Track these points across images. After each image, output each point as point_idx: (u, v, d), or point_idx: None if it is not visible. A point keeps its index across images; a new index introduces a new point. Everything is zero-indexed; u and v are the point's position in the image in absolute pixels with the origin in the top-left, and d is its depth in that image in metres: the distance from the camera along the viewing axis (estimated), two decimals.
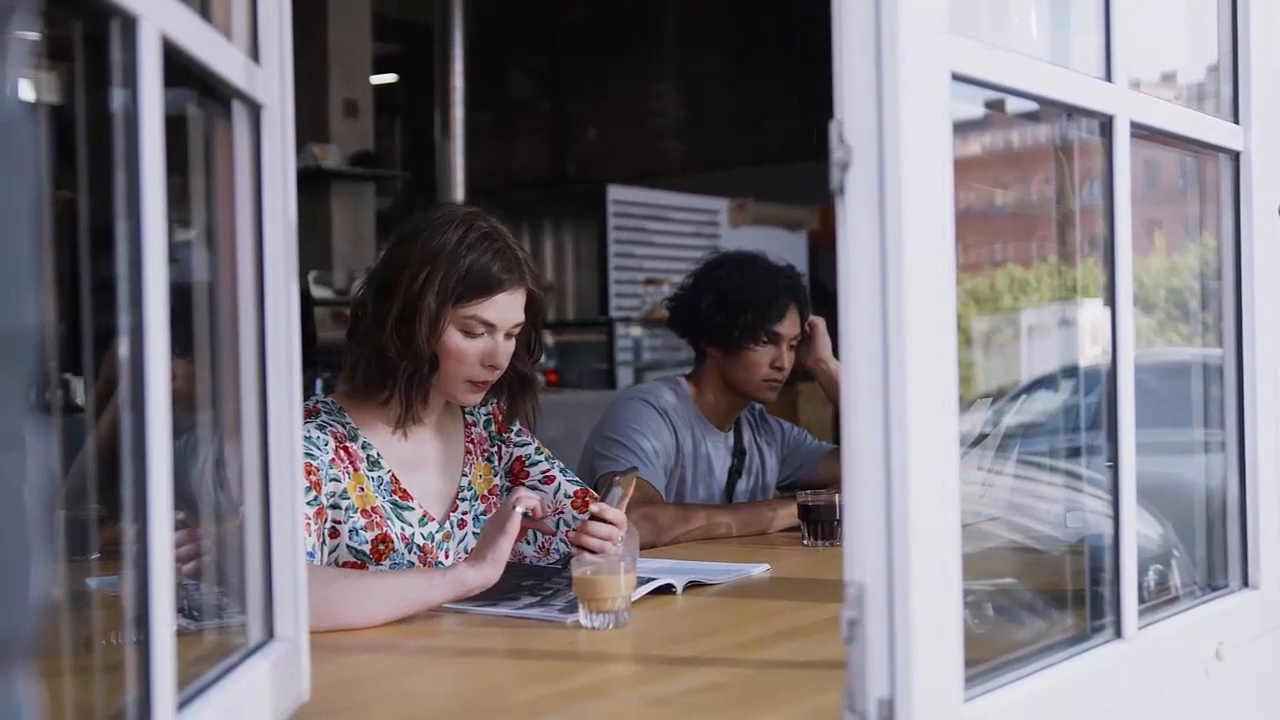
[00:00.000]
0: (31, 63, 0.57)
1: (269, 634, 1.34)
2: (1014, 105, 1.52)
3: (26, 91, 0.55)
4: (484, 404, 2.34)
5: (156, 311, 0.98)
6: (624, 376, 7.37)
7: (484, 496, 2.31)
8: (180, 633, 1.04)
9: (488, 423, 2.36)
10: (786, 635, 1.83)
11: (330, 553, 2.09)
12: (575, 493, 2.33)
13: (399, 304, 2.11)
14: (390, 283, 2.13)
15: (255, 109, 1.31)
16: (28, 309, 0.52)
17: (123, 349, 0.97)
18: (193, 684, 1.14)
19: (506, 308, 2.15)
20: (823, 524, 2.58)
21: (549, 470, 2.35)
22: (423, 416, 2.22)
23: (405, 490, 2.19)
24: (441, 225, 2.14)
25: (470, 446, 2.32)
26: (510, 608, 1.93)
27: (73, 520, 1.30)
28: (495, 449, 2.35)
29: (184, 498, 1.21)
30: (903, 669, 1.14)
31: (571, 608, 1.88)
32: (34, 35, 0.57)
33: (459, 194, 8.78)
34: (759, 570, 2.30)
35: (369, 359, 2.15)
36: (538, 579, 2.09)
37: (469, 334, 2.14)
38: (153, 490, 0.98)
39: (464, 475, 2.29)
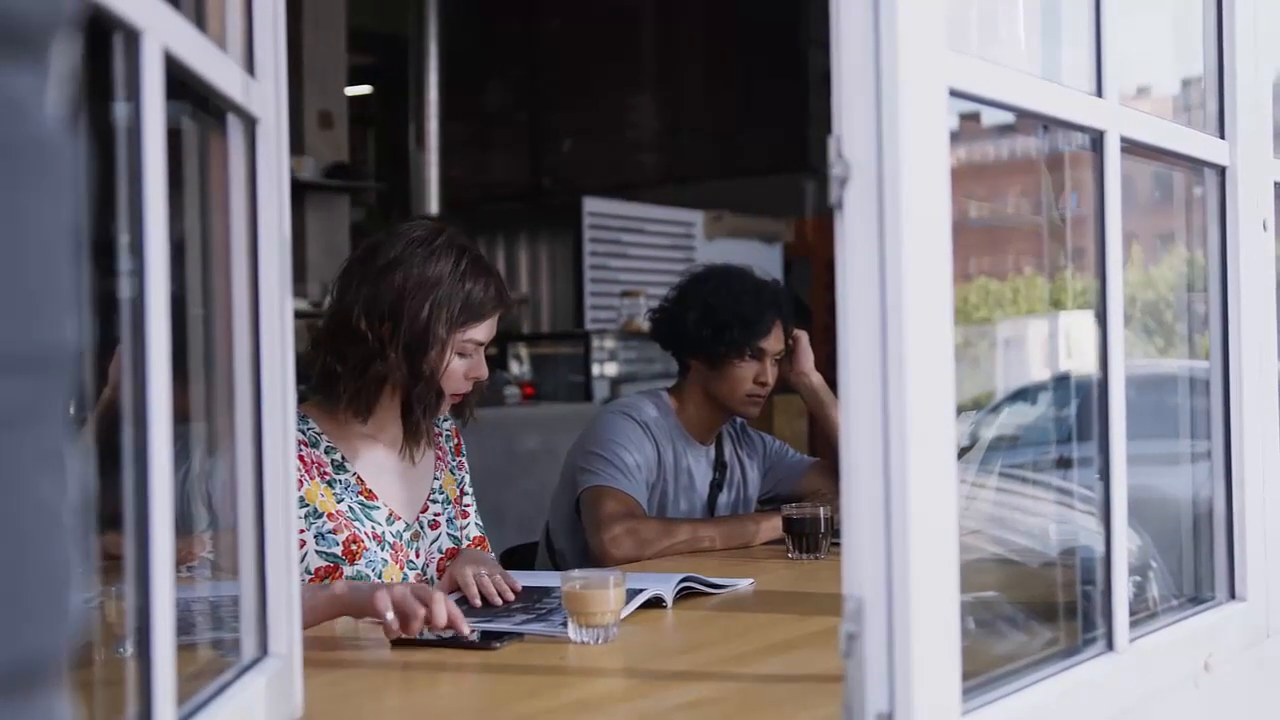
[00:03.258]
0: (70, 81, 0.57)
1: (263, 650, 1.33)
2: (989, 119, 1.53)
3: (66, 108, 0.55)
4: (444, 417, 2.41)
5: (158, 324, 0.97)
6: (600, 389, 7.36)
7: (454, 501, 2.37)
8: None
9: (448, 438, 2.43)
10: (777, 649, 1.83)
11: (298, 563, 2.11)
12: (475, 538, 2.40)
13: (405, 335, 2.15)
14: (389, 310, 2.16)
15: (251, 122, 1.30)
16: (68, 326, 0.52)
17: (124, 363, 0.97)
18: (189, 701, 1.13)
19: (493, 326, 2.26)
20: (807, 537, 2.58)
21: (469, 507, 2.43)
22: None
23: (371, 491, 2.23)
24: (429, 255, 2.18)
25: (439, 454, 2.39)
26: (509, 623, 1.92)
27: None
28: (455, 463, 2.43)
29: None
30: (902, 682, 1.14)
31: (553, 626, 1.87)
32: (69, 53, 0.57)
33: (434, 206, 8.77)
34: (744, 584, 2.30)
35: (371, 384, 2.18)
36: (529, 599, 2.08)
37: (462, 355, 2.22)
38: (154, 505, 0.97)
39: (435, 479, 2.35)
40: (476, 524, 2.43)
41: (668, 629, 2.00)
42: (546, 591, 2.12)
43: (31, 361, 0.50)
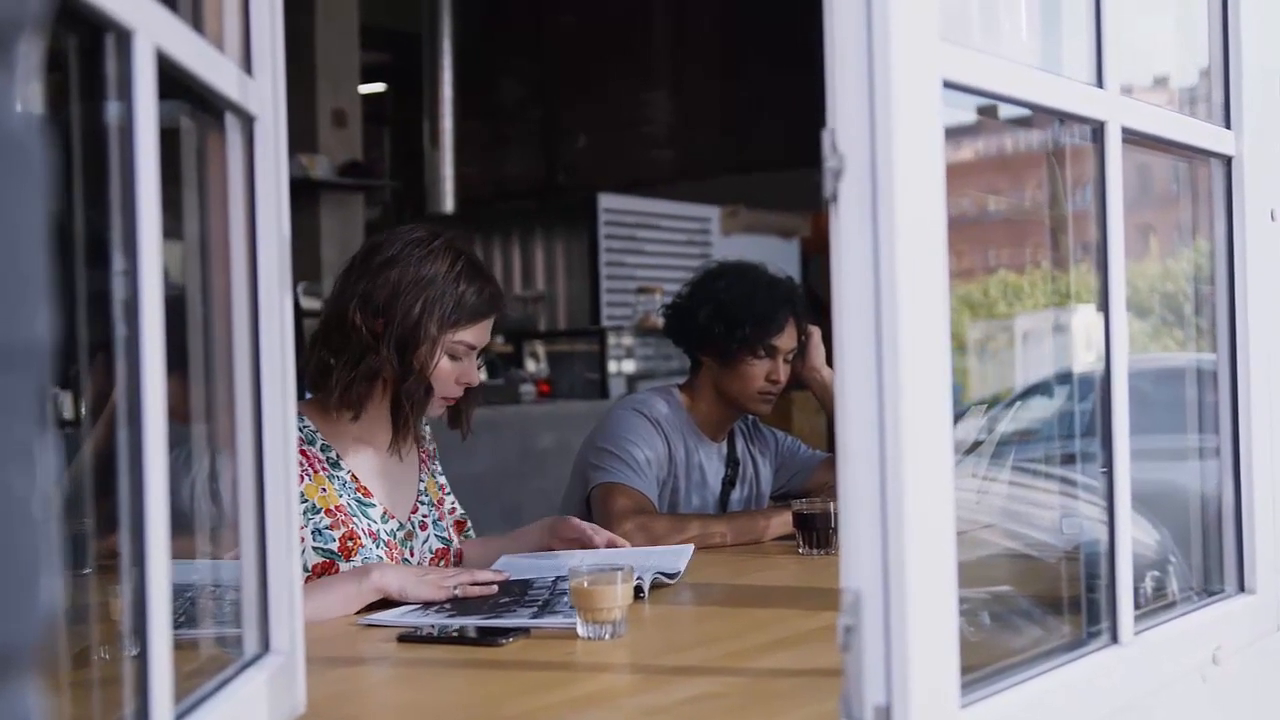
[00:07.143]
0: (37, 76, 0.57)
1: (265, 647, 1.34)
2: (1006, 111, 1.53)
3: (34, 105, 0.55)
4: (427, 420, 2.44)
5: (152, 324, 0.98)
6: (616, 386, 7.35)
7: (437, 505, 2.41)
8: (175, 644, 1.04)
9: (428, 442, 2.47)
10: (783, 644, 1.83)
11: None
12: (438, 550, 2.38)
13: (397, 330, 2.19)
14: (383, 306, 2.20)
15: (248, 121, 1.31)
16: (38, 321, 0.52)
17: (119, 363, 0.97)
18: (189, 696, 1.13)
19: (487, 332, 2.29)
20: (817, 532, 2.58)
21: (449, 497, 2.46)
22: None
23: (366, 488, 2.27)
24: (425, 255, 2.23)
25: (423, 457, 2.43)
26: (516, 619, 1.91)
27: (67, 534, 1.29)
28: (435, 468, 2.47)
29: (178, 512, 1.22)
30: (899, 675, 1.14)
31: (574, 614, 1.87)
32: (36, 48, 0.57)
33: (449, 204, 8.77)
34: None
35: (362, 378, 2.21)
36: (518, 592, 2.09)
37: (453, 357, 2.25)
38: (150, 504, 0.98)
39: (421, 481, 2.39)
40: (438, 536, 2.40)
41: (675, 624, 2.00)
42: (528, 584, 2.14)
43: (2, 356, 0.51)
